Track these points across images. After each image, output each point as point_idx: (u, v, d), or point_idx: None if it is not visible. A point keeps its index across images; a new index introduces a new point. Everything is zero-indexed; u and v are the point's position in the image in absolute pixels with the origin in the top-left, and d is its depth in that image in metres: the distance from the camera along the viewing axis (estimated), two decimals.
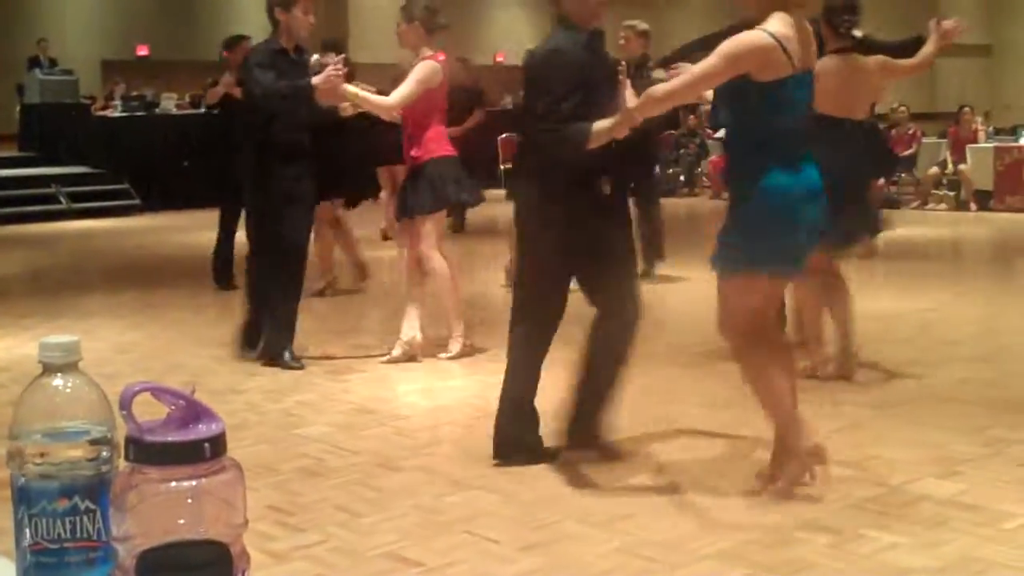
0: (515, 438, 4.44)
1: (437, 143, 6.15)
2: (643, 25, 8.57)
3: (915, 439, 4.66)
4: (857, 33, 5.61)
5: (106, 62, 23.39)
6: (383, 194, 10.80)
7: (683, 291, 8.36)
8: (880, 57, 5.68)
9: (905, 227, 12.43)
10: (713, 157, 16.71)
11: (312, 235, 6.74)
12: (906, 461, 4.37)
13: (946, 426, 4.85)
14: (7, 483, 1.07)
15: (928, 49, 5.65)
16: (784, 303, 5.54)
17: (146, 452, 0.93)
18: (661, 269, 8.90)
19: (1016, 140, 14.91)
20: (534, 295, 4.41)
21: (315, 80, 5.82)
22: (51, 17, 22.83)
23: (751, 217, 3.90)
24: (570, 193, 4.25)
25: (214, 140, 9.17)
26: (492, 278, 8.82)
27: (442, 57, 6.27)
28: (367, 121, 6.95)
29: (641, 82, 4.49)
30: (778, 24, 3.80)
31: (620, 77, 4.14)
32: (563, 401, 4.52)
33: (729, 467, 4.36)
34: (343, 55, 6.13)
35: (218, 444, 0.94)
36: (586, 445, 4.47)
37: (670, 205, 14.96)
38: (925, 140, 15.71)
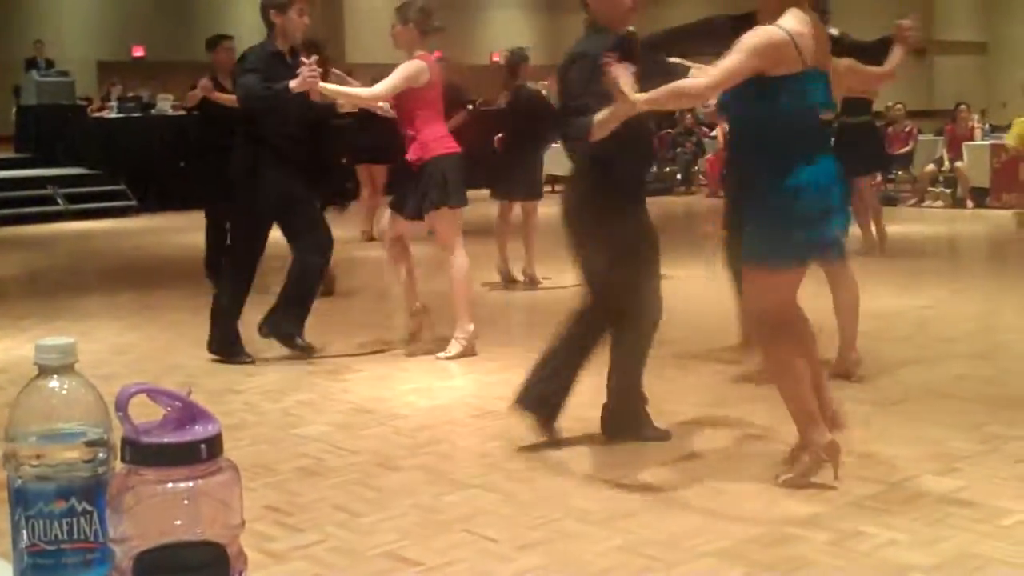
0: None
1: (439, 142, 6.16)
2: None
3: (913, 436, 4.67)
4: (833, 31, 5.62)
5: (102, 63, 23.40)
6: (364, 193, 10.83)
7: (678, 288, 8.33)
8: (849, 60, 5.68)
9: (902, 224, 12.47)
10: (710, 156, 16.72)
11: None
12: (904, 458, 4.37)
13: (944, 423, 4.85)
14: (4, 485, 1.07)
15: (894, 56, 5.67)
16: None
17: (142, 454, 0.93)
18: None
19: None
20: (619, 292, 4.50)
21: (292, 83, 5.86)
22: (47, 18, 22.84)
23: (777, 212, 3.94)
24: (619, 189, 4.43)
25: (192, 142, 9.21)
26: (484, 277, 8.80)
27: (435, 57, 6.30)
28: (354, 121, 6.97)
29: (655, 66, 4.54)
30: (792, 21, 3.84)
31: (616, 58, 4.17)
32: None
33: (728, 465, 4.36)
34: (315, 56, 6.15)
35: (214, 445, 0.94)
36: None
37: (667, 203, 15.02)
38: (922, 137, 15.72)
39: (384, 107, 6.33)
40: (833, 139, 5.32)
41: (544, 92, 9.97)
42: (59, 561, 1.06)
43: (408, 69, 6.08)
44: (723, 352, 6.13)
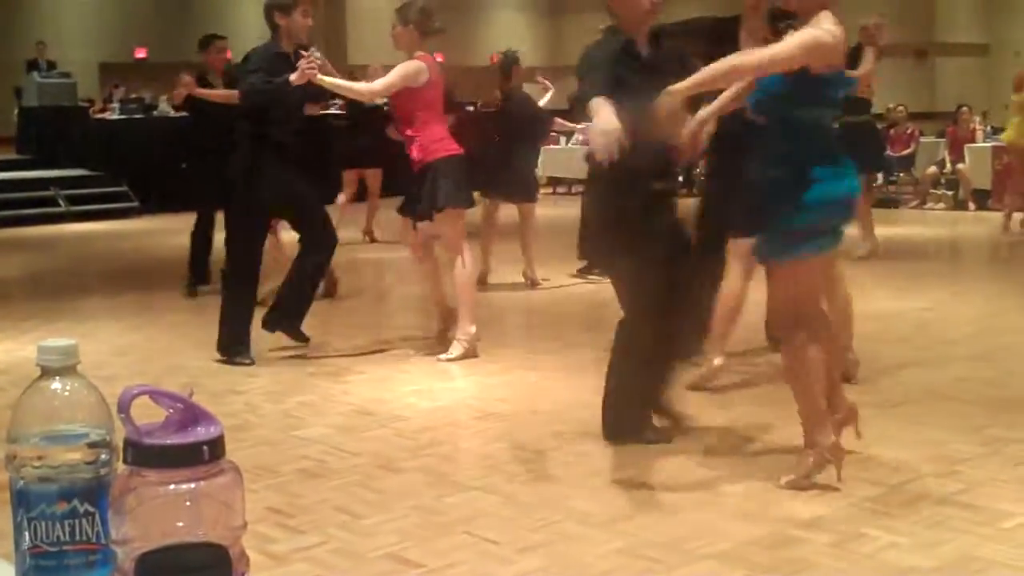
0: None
1: (440, 143, 6.16)
2: None
3: (914, 438, 4.67)
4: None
5: (104, 65, 23.42)
6: (341, 197, 10.77)
7: None
8: None
9: (903, 226, 12.46)
10: None
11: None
12: (905, 460, 4.37)
13: (944, 425, 4.85)
14: (6, 486, 1.07)
15: (867, 59, 5.68)
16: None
17: (145, 455, 0.93)
18: None
19: None
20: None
21: (292, 76, 5.93)
22: (49, 20, 22.86)
23: (807, 205, 3.97)
24: (631, 189, 4.45)
25: (182, 141, 9.21)
26: (493, 278, 8.82)
27: (434, 59, 6.30)
28: (347, 124, 6.99)
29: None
30: (831, 22, 3.96)
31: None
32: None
33: (729, 467, 4.35)
34: (314, 47, 6.20)
35: (216, 447, 0.94)
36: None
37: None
38: (923, 139, 15.72)
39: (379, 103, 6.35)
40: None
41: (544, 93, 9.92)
42: (61, 563, 1.06)
43: (406, 68, 6.10)
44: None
